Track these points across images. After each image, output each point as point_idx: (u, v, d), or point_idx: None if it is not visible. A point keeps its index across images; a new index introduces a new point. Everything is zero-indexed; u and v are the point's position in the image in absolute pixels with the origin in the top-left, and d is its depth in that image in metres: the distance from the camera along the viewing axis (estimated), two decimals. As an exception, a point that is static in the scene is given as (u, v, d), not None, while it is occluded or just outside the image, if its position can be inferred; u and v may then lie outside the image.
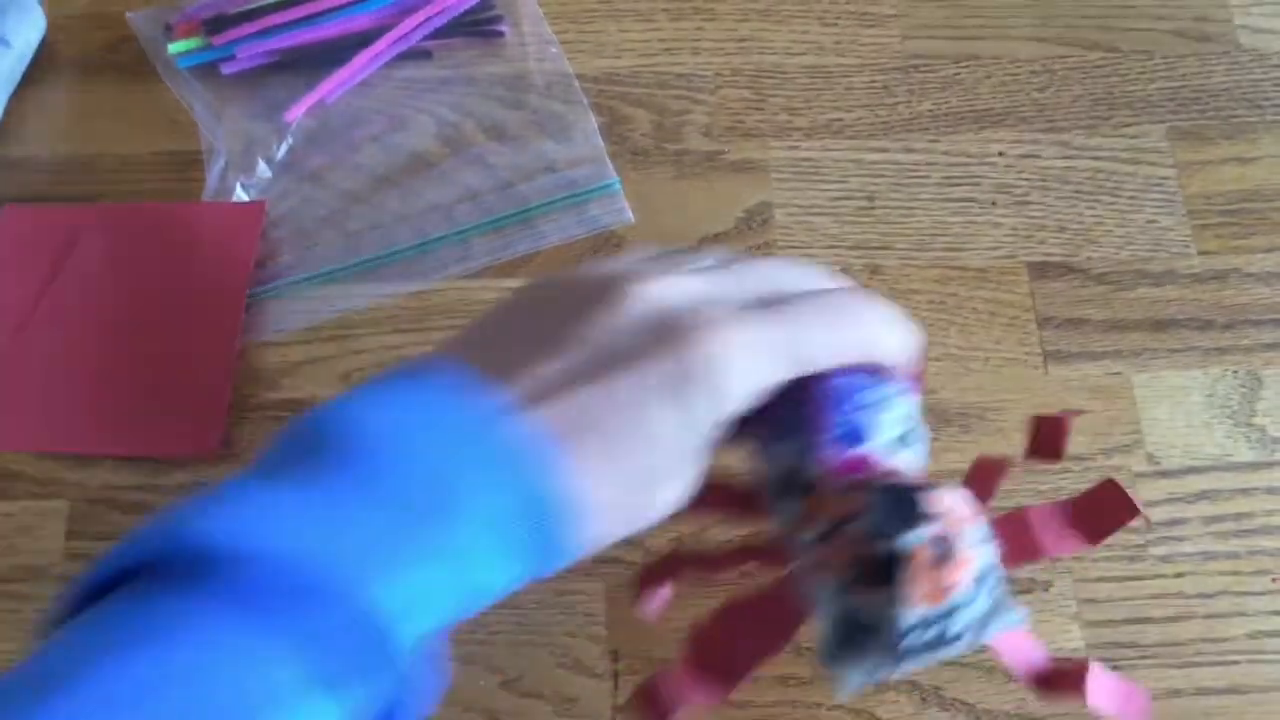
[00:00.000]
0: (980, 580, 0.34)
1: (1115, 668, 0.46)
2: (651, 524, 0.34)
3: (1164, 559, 0.48)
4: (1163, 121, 0.57)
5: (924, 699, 0.46)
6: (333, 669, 0.27)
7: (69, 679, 0.25)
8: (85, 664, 0.25)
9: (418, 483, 0.29)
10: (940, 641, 0.33)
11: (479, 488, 0.30)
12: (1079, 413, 0.47)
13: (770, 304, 0.34)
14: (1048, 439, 0.41)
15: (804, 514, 0.35)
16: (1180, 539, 0.48)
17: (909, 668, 0.34)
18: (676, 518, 0.34)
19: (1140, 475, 0.50)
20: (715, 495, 0.38)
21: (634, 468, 0.32)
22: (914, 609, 0.33)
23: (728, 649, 0.37)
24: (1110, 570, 0.48)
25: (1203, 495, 0.49)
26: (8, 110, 0.58)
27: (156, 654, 0.26)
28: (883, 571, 0.33)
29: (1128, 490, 0.38)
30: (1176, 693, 0.46)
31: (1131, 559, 0.48)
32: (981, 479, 0.41)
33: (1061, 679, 0.37)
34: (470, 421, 0.31)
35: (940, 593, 0.33)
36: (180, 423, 0.51)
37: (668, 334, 0.32)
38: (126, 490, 0.50)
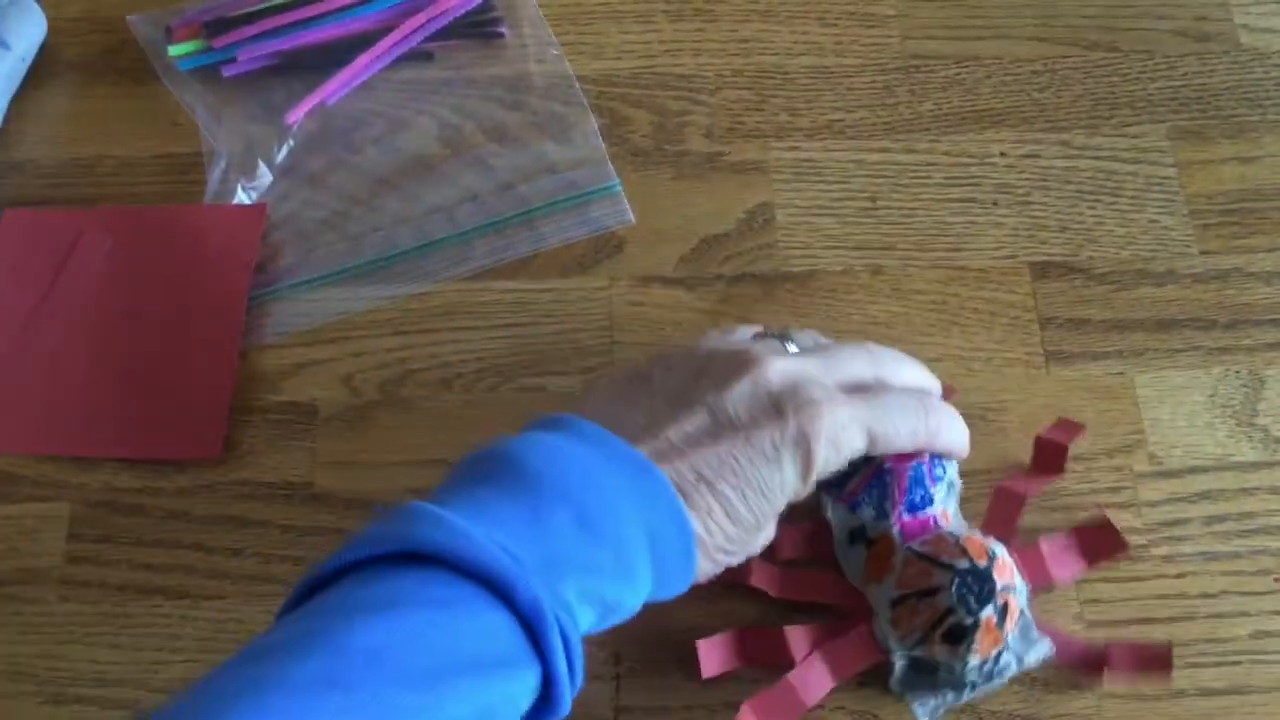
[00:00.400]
0: (1017, 623, 0.43)
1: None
2: (741, 561, 0.41)
3: (1166, 559, 0.48)
4: (1164, 121, 0.57)
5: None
6: (535, 644, 0.34)
7: (337, 632, 0.31)
8: (359, 614, 0.31)
9: (593, 508, 0.36)
10: (992, 675, 0.43)
11: (643, 514, 0.37)
12: (1080, 428, 0.48)
13: (861, 390, 0.42)
14: (1050, 458, 0.48)
15: (870, 561, 0.45)
16: (1182, 539, 0.48)
17: (967, 698, 0.44)
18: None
19: (1142, 475, 0.50)
20: (786, 537, 0.46)
21: (738, 517, 0.39)
22: (976, 656, 0.42)
23: (805, 680, 0.44)
24: (1112, 570, 0.48)
25: (1205, 495, 0.49)
26: (8, 113, 0.58)
27: (411, 615, 0.32)
28: (958, 634, 0.42)
29: (1118, 526, 0.46)
30: (1180, 693, 0.46)
31: (1134, 559, 0.48)
32: (1002, 514, 0.47)
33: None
34: (632, 462, 0.38)
35: (997, 642, 0.43)
36: (181, 425, 0.51)
37: (778, 407, 0.39)
38: (127, 493, 0.50)
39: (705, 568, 0.40)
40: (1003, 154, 0.56)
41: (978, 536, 0.44)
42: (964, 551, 0.43)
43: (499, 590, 0.33)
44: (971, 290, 0.53)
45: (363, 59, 0.58)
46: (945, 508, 0.46)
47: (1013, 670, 0.44)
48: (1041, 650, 0.44)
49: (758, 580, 0.46)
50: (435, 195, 0.56)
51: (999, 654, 0.43)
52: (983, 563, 0.42)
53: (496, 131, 0.57)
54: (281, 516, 0.50)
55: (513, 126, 0.58)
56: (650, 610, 0.47)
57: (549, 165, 0.56)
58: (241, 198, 0.56)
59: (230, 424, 0.51)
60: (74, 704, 0.46)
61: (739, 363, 0.40)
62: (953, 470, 0.46)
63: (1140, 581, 0.48)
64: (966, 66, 0.59)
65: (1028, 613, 0.44)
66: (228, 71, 0.58)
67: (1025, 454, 0.50)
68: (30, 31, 0.59)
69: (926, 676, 0.44)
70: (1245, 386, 0.51)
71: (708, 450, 0.39)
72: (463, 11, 0.59)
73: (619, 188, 0.56)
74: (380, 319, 0.53)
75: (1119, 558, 0.47)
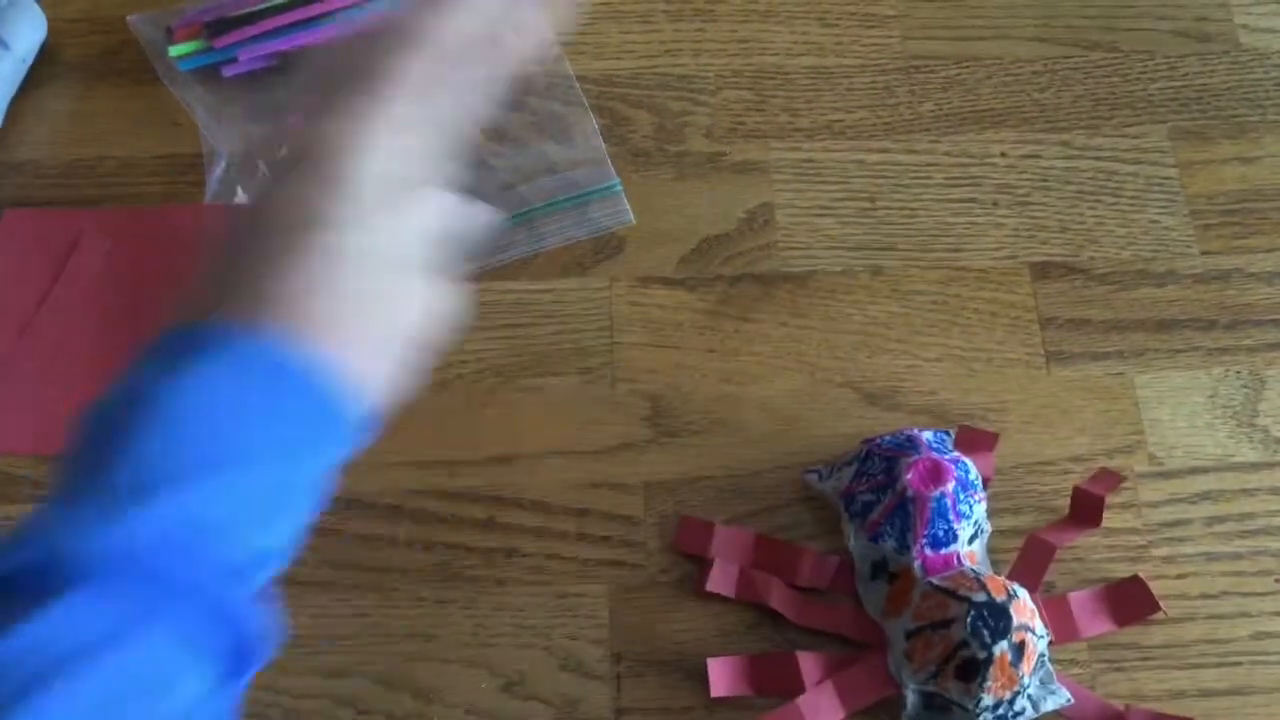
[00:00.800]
0: (1035, 668, 0.42)
1: (1119, 669, 0.46)
2: (418, 345, 0.35)
3: (1166, 560, 0.48)
4: (1164, 121, 0.57)
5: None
6: (192, 639, 0.28)
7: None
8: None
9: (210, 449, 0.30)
10: (1006, 717, 0.43)
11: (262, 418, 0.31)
12: (1119, 479, 0.48)
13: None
14: (1087, 509, 0.48)
15: (891, 595, 0.45)
16: (1182, 540, 0.48)
17: None
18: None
19: (1142, 476, 0.49)
20: (808, 565, 0.47)
21: (331, 289, 0.32)
22: (990, 696, 0.42)
23: (815, 706, 0.44)
24: (1113, 571, 0.48)
25: (1205, 496, 0.49)
26: (8, 114, 0.58)
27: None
28: (971, 669, 0.41)
29: (1150, 586, 0.46)
30: (1180, 694, 0.46)
31: (1134, 560, 0.48)
32: (1031, 563, 0.46)
33: None
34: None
35: (1011, 684, 0.42)
36: (182, 426, 0.51)
37: (304, 168, 0.33)
38: (128, 493, 0.50)
39: (368, 354, 0.33)
40: (1003, 154, 0.56)
41: (1001, 579, 0.43)
42: (983, 586, 0.42)
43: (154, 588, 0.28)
44: (972, 290, 0.53)
45: (363, 59, 0.58)
46: (971, 550, 0.46)
47: (1029, 715, 0.43)
48: (1060, 699, 0.43)
49: (777, 603, 0.46)
50: (435, 195, 0.56)
51: (1014, 697, 0.42)
52: (1001, 598, 0.42)
53: (496, 131, 0.57)
54: (281, 517, 0.49)
55: (513, 126, 0.57)
56: (652, 612, 0.47)
57: (549, 165, 0.56)
58: (242, 197, 0.56)
59: (230, 424, 0.51)
60: (74, 704, 0.46)
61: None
62: (980, 511, 0.46)
63: (1140, 582, 0.48)
64: (966, 66, 0.59)
65: (1049, 664, 0.43)
66: (228, 71, 0.58)
67: (1024, 454, 0.50)
68: (30, 32, 0.59)
69: (939, 715, 0.44)
70: (1246, 387, 0.51)
71: (264, 271, 0.32)
72: (463, 12, 0.59)
73: (619, 188, 0.55)
74: (380, 319, 0.53)
75: (1150, 618, 0.46)
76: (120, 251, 0.55)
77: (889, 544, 0.45)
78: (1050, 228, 0.55)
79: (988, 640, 0.41)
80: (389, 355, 0.34)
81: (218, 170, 0.56)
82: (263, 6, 0.59)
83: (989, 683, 0.41)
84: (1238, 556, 0.48)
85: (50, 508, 0.31)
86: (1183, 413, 0.51)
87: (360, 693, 0.46)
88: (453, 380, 0.52)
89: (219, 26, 0.59)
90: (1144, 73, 0.58)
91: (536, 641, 0.47)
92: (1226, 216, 0.55)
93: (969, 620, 0.41)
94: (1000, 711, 0.42)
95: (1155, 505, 0.49)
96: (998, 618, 0.41)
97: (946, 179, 0.56)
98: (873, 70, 0.59)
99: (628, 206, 0.55)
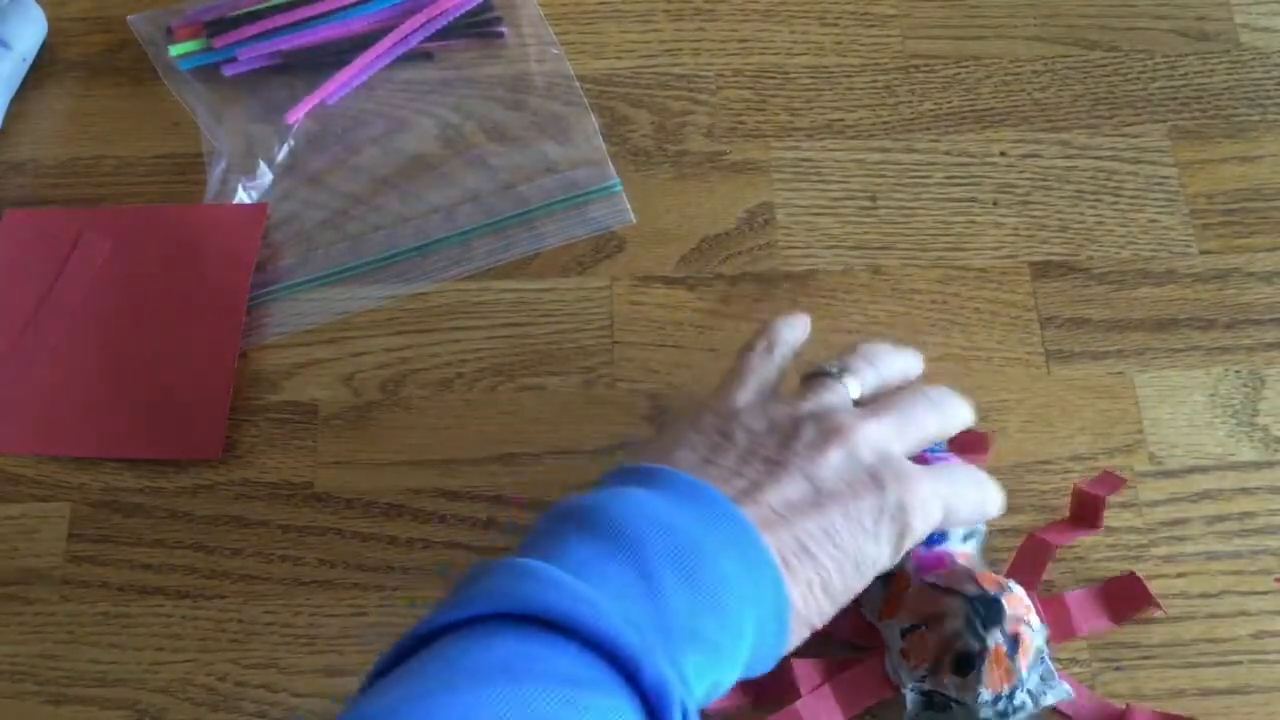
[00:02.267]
0: (1034, 664, 0.42)
1: (1118, 669, 0.46)
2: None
3: (1166, 559, 0.48)
4: (1164, 121, 0.57)
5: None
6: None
7: (460, 690, 0.29)
8: (485, 682, 0.29)
9: (702, 575, 0.35)
10: (1007, 714, 0.42)
11: (748, 585, 0.36)
12: (1121, 482, 0.48)
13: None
14: (1087, 510, 0.48)
15: (888, 597, 0.45)
16: (1182, 539, 0.48)
17: None
18: None
19: (1142, 475, 0.50)
20: None
21: (833, 591, 0.38)
22: (988, 690, 0.41)
23: (814, 711, 0.44)
24: (1113, 571, 0.48)
25: (1205, 495, 0.49)
26: (9, 114, 0.58)
27: (539, 691, 0.30)
28: (966, 663, 0.42)
29: (1147, 583, 0.46)
30: (1180, 693, 0.46)
31: (1134, 559, 0.48)
32: (1028, 561, 0.47)
33: None
34: (737, 527, 0.36)
35: (1009, 677, 0.42)
36: (182, 425, 0.51)
37: (876, 479, 0.39)
38: (128, 493, 0.50)
39: (795, 639, 0.39)
40: (1003, 154, 0.56)
41: (995, 575, 0.43)
42: (975, 581, 0.43)
43: (624, 666, 0.31)
44: (972, 290, 0.53)
45: (363, 59, 0.58)
46: (965, 549, 0.46)
47: (1029, 710, 0.43)
48: (1061, 693, 0.43)
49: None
50: (435, 195, 0.56)
51: (1013, 691, 0.42)
52: (993, 591, 0.42)
53: (497, 131, 0.57)
54: (281, 516, 0.50)
55: (513, 126, 0.58)
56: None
57: (549, 165, 0.56)
58: (242, 198, 0.56)
59: (230, 424, 0.51)
60: (74, 704, 0.46)
61: (829, 429, 0.40)
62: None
63: (1140, 581, 0.48)
64: (966, 66, 0.59)
65: (1049, 659, 0.43)
66: (228, 71, 0.58)
67: (1025, 454, 0.50)
68: (30, 31, 0.59)
69: (939, 715, 0.44)
70: (1245, 386, 0.51)
71: (810, 520, 0.38)
72: (462, 11, 0.59)
73: (619, 188, 0.56)
74: (380, 319, 0.53)
75: (1150, 617, 0.46)
76: (120, 251, 0.55)
77: None
78: (1050, 227, 0.55)
79: (981, 632, 0.41)
80: (826, 612, 0.39)
81: (218, 170, 0.56)
82: (263, 6, 0.59)
83: (986, 676, 0.41)
84: (1238, 556, 0.48)
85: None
86: (1183, 412, 0.51)
87: (360, 692, 0.46)
88: (453, 379, 0.52)
89: (219, 26, 0.59)
90: (1143, 72, 0.58)
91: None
92: (1226, 216, 0.55)
93: (962, 613, 0.42)
94: (1000, 706, 0.42)
95: (1155, 505, 0.49)
96: (990, 609, 0.42)
97: (946, 178, 0.56)
98: (873, 70, 0.59)
99: (628, 206, 0.55)
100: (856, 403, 0.43)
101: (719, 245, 0.54)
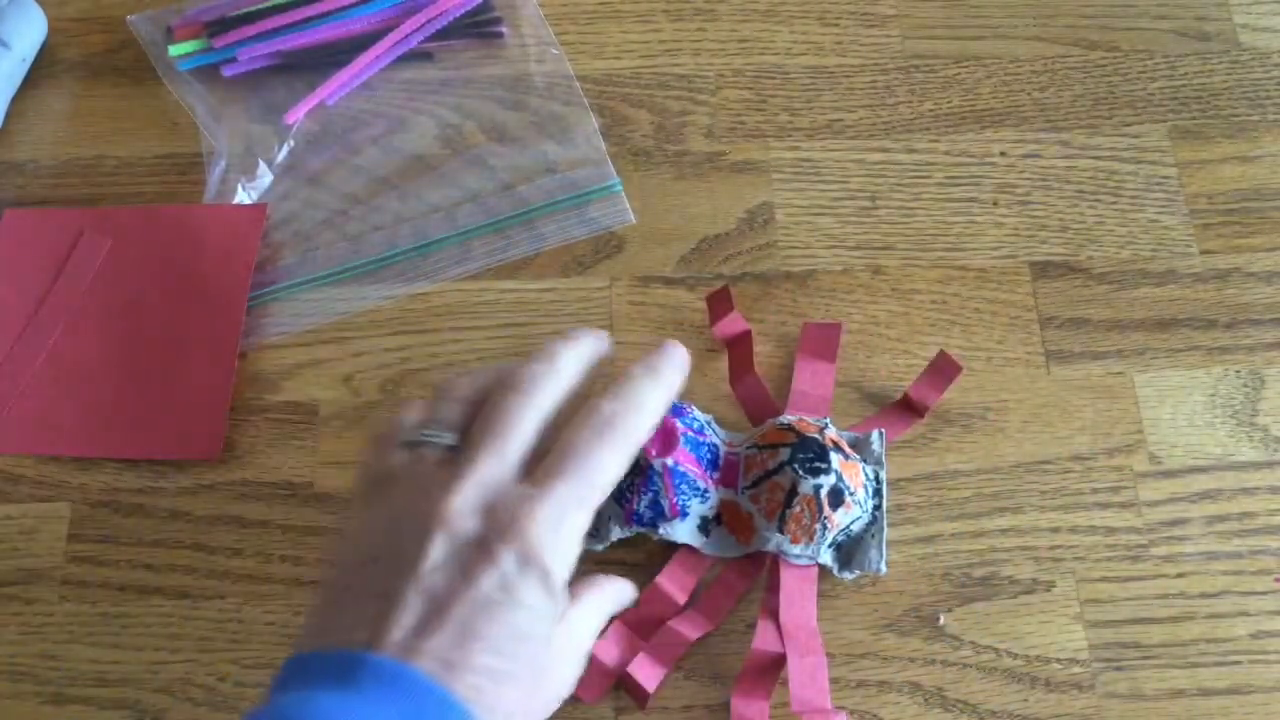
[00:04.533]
0: (866, 500, 0.47)
1: (1118, 668, 0.46)
2: (557, 704, 0.38)
3: (1166, 559, 0.48)
4: (1164, 121, 0.57)
5: (927, 700, 0.46)
6: None
7: None
8: None
9: None
10: (880, 493, 0.47)
11: None
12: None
13: (544, 457, 0.37)
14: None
15: (732, 530, 0.47)
16: (1183, 539, 0.48)
17: (883, 539, 0.47)
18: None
19: (1142, 475, 0.50)
20: (671, 581, 0.47)
21: (510, 677, 0.34)
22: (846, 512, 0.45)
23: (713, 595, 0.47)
24: (1113, 570, 0.48)
25: (1205, 495, 0.49)
26: (9, 113, 0.58)
27: None
28: (837, 497, 0.45)
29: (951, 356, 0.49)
30: (1179, 693, 0.46)
31: (1134, 559, 0.48)
32: (816, 342, 0.51)
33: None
34: (386, 688, 0.32)
35: (856, 473, 0.46)
36: (181, 426, 0.51)
37: (484, 547, 0.34)
38: (128, 493, 0.50)
39: None
40: (1003, 154, 0.56)
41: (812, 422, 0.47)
42: (787, 429, 0.46)
43: None
44: (971, 290, 0.53)
45: (363, 59, 0.58)
46: (726, 439, 0.48)
47: (874, 455, 0.48)
48: (878, 444, 0.48)
49: (690, 631, 0.46)
50: (435, 195, 0.56)
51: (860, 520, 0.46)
52: (811, 434, 0.45)
53: (497, 131, 0.57)
54: (281, 516, 0.50)
55: (513, 126, 0.58)
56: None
57: (549, 165, 0.56)
58: (241, 198, 0.56)
59: (230, 424, 0.51)
60: (74, 704, 0.46)
61: (418, 524, 0.35)
62: (696, 412, 0.48)
63: (1140, 581, 0.48)
64: (966, 66, 0.59)
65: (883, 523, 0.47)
66: (228, 71, 0.58)
67: (1024, 454, 0.50)
68: (30, 31, 0.59)
69: (850, 551, 0.47)
70: (1245, 386, 0.51)
71: (439, 633, 0.33)
72: (462, 11, 0.59)
73: (619, 188, 0.56)
74: (380, 319, 0.53)
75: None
76: (120, 251, 0.55)
77: (647, 515, 0.46)
78: (1050, 227, 0.55)
79: (819, 468, 0.45)
80: (529, 700, 0.36)
81: (218, 170, 0.56)
82: (262, 6, 0.59)
83: (844, 502, 0.45)
84: (1237, 556, 0.48)
85: None
86: (1183, 412, 0.51)
87: (360, 692, 0.46)
88: (453, 380, 0.52)
89: (219, 26, 0.59)
90: (1143, 72, 0.58)
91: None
92: (1226, 216, 0.55)
93: (791, 454, 0.45)
94: (869, 502, 0.47)
95: (1155, 505, 0.49)
96: (814, 450, 0.45)
97: (946, 178, 0.56)
98: (873, 70, 0.59)
99: (628, 206, 0.55)
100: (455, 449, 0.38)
101: (719, 245, 0.54)
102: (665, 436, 0.45)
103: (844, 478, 0.45)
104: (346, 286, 0.54)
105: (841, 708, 0.46)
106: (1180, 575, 0.48)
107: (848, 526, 0.46)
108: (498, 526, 0.35)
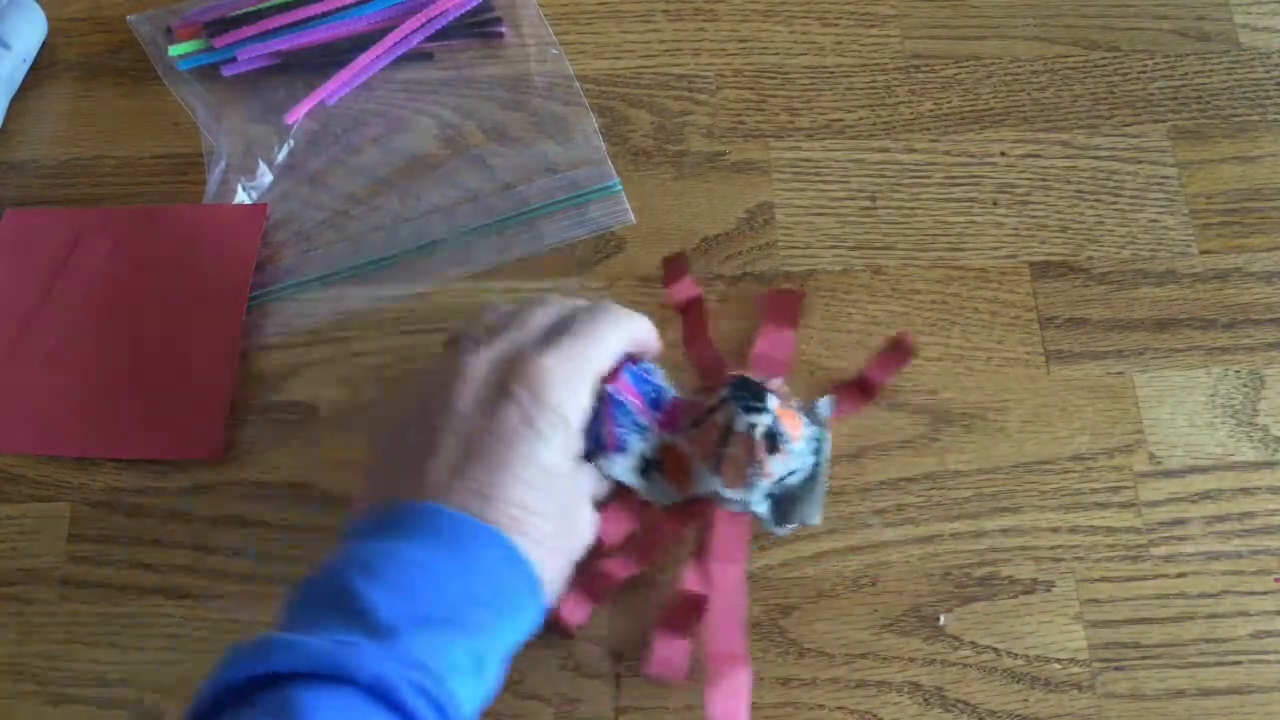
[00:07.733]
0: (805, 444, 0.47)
1: (1118, 669, 0.46)
2: (583, 550, 0.43)
3: (1166, 559, 0.48)
4: (1164, 121, 0.57)
5: (927, 700, 0.46)
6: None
7: None
8: None
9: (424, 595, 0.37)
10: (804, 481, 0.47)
11: (466, 559, 0.38)
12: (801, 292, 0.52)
13: (553, 335, 0.43)
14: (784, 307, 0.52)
15: (670, 475, 0.47)
16: (1183, 539, 0.48)
17: (822, 486, 0.47)
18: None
19: (1142, 475, 0.50)
20: (610, 526, 0.47)
21: (542, 508, 0.40)
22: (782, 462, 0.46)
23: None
24: (1113, 570, 0.48)
25: (1205, 495, 0.49)
26: (8, 113, 0.58)
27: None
28: (773, 440, 0.45)
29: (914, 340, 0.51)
30: (1179, 693, 0.46)
31: (1134, 559, 0.48)
32: (779, 308, 0.52)
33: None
34: (429, 524, 0.38)
35: (793, 422, 0.46)
36: (182, 426, 0.51)
37: (503, 388, 0.41)
38: (128, 493, 0.50)
39: (558, 564, 0.41)
40: (1003, 154, 0.56)
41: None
42: (735, 376, 0.46)
43: (349, 679, 0.34)
44: (971, 290, 0.53)
45: (363, 59, 0.58)
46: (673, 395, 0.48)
47: (823, 415, 0.48)
48: (824, 409, 0.48)
49: (619, 571, 0.47)
50: (435, 195, 0.56)
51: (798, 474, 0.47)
52: (751, 375, 0.46)
53: (497, 131, 0.57)
54: (281, 516, 0.50)
55: (513, 126, 0.58)
56: (651, 611, 0.47)
57: (549, 165, 0.56)
58: (241, 198, 0.56)
59: (230, 424, 0.51)
60: (74, 704, 0.46)
61: (446, 374, 0.42)
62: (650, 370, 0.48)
63: (1140, 581, 0.48)
64: (966, 66, 0.59)
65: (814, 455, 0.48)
66: (228, 71, 0.58)
67: (1024, 454, 0.50)
68: (30, 31, 0.59)
69: (786, 507, 0.47)
70: (1245, 386, 0.51)
71: (474, 467, 0.39)
72: (462, 11, 0.59)
73: (619, 188, 0.56)
74: (381, 319, 0.53)
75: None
76: (120, 251, 0.55)
77: (589, 444, 0.45)
78: (1050, 227, 0.55)
79: (755, 407, 0.45)
80: (565, 563, 0.42)
81: (218, 170, 0.56)
82: (262, 6, 0.59)
83: (780, 449, 0.45)
84: (1237, 556, 0.48)
85: (289, 622, 0.37)
86: (1182, 412, 0.51)
87: (360, 692, 0.46)
88: (453, 380, 0.52)
89: (219, 26, 0.59)
90: (1143, 72, 0.58)
91: (536, 640, 0.47)
92: (1226, 216, 0.55)
93: (731, 391, 0.45)
94: (810, 446, 0.47)
95: (1155, 505, 0.49)
96: (752, 390, 0.45)
97: (946, 178, 0.56)
98: (873, 70, 0.59)
99: (628, 206, 0.55)
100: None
101: (719, 245, 0.54)
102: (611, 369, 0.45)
103: (781, 423, 0.45)
104: (346, 286, 0.54)
105: (841, 708, 0.46)
106: (1180, 575, 0.48)
107: (783, 479, 0.47)
108: (513, 371, 0.41)
